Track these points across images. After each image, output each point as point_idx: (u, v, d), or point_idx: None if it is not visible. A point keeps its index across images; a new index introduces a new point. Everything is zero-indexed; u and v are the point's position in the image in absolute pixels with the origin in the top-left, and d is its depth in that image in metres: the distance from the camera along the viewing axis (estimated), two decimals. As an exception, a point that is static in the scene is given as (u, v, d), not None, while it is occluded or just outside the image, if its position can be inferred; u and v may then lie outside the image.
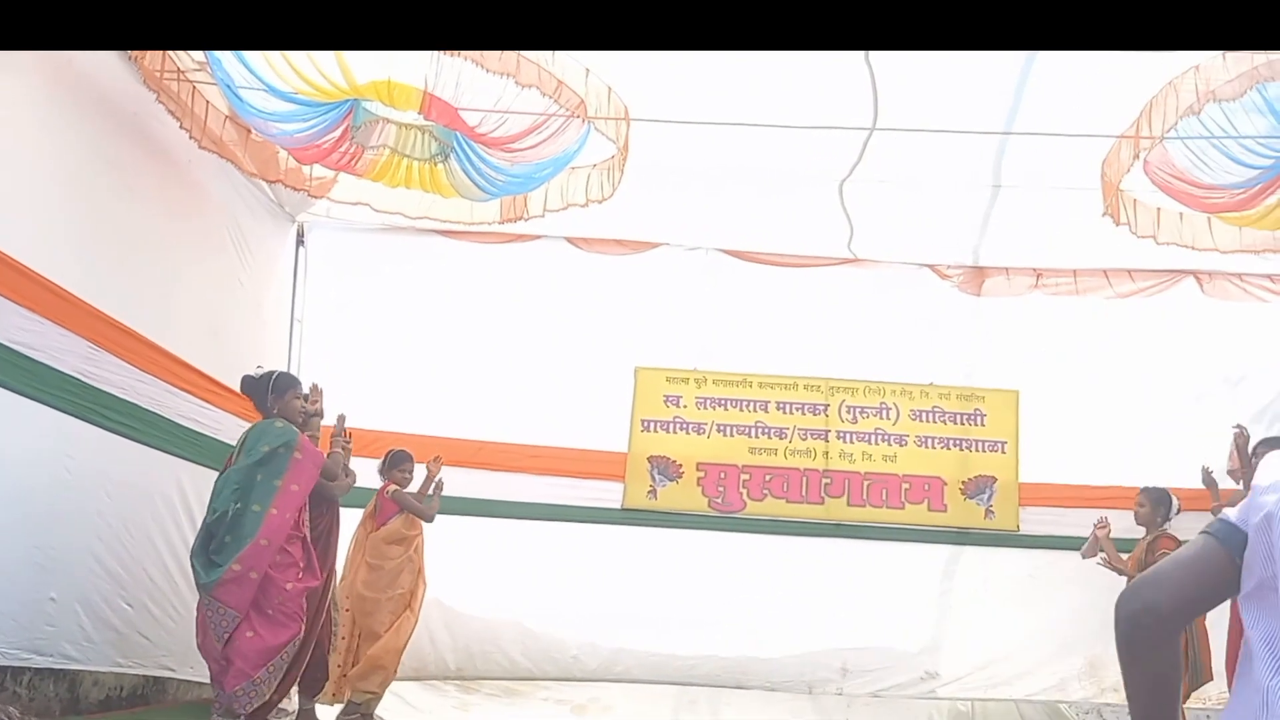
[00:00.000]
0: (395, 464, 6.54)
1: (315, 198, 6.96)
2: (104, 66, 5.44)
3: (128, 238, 5.80)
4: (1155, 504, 6.41)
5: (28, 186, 4.96)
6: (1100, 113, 5.78)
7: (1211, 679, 6.15)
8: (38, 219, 5.03)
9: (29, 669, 5.07)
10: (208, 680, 5.24)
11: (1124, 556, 6.45)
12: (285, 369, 6.81)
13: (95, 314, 5.43)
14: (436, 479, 6.65)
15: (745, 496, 7.95)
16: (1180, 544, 5.73)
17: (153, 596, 6.01)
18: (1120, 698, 7.38)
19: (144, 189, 5.93)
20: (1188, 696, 6.16)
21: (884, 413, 8.08)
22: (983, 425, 8.07)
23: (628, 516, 7.88)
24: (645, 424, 8.03)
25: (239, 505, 5.14)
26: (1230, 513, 1.59)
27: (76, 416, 5.34)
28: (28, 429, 5.00)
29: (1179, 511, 6.43)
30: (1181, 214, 6.16)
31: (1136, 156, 5.69)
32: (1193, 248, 6.26)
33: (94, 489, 5.53)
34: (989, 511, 7.91)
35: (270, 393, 5.52)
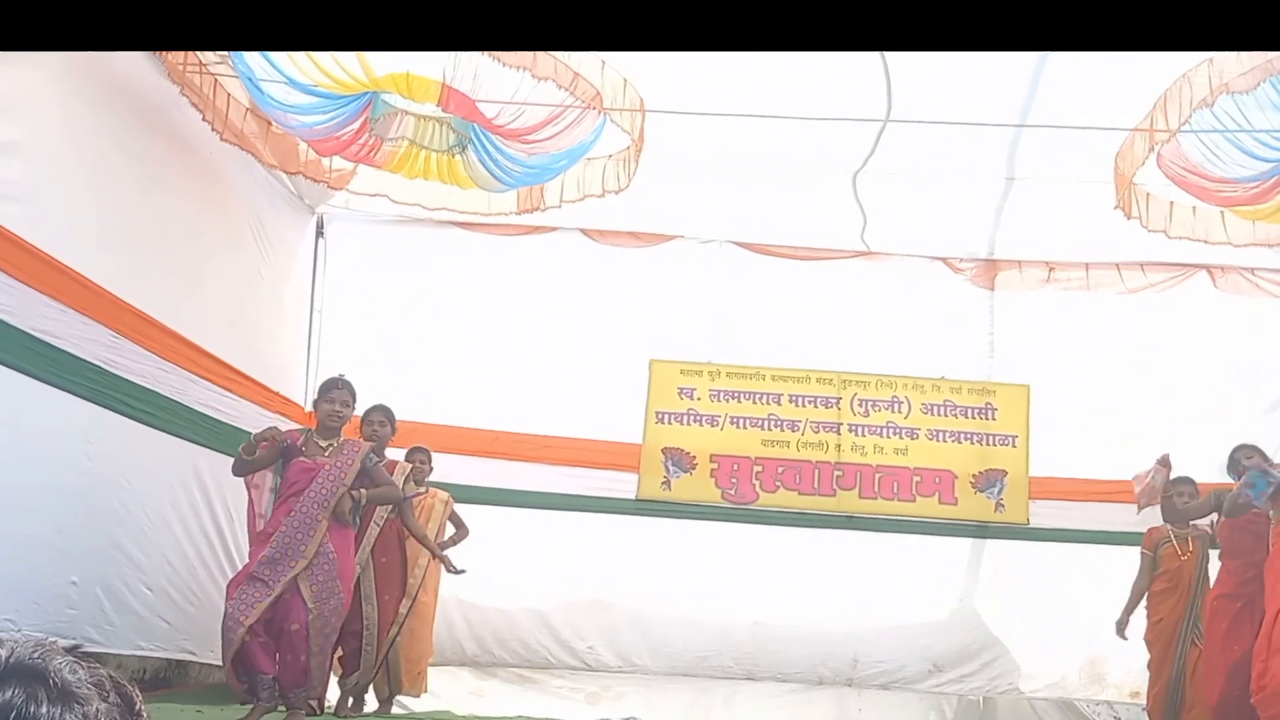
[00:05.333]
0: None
1: (335, 189, 7.04)
2: (128, 59, 5.49)
3: (150, 228, 5.86)
4: (1195, 486, 6.34)
5: (52, 177, 5.01)
6: (1114, 105, 5.79)
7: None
8: (62, 209, 5.09)
9: (54, 651, 5.15)
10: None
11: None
12: (305, 358, 6.89)
13: (118, 303, 5.49)
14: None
15: (758, 488, 7.97)
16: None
17: (172, 581, 6.09)
18: (1122, 694, 7.42)
19: (166, 181, 6.00)
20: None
21: (895, 406, 8.10)
22: (994, 419, 8.06)
23: (641, 507, 7.90)
24: (659, 416, 8.06)
25: None
26: None
27: (98, 404, 5.40)
28: (50, 416, 5.07)
29: None
30: (1195, 208, 6.15)
31: (1152, 149, 5.68)
32: (1206, 241, 6.23)
33: (114, 475, 5.61)
34: (999, 505, 7.91)
35: None
